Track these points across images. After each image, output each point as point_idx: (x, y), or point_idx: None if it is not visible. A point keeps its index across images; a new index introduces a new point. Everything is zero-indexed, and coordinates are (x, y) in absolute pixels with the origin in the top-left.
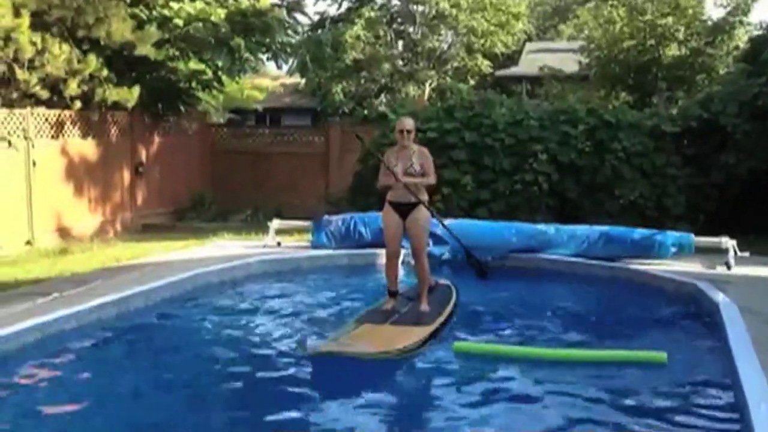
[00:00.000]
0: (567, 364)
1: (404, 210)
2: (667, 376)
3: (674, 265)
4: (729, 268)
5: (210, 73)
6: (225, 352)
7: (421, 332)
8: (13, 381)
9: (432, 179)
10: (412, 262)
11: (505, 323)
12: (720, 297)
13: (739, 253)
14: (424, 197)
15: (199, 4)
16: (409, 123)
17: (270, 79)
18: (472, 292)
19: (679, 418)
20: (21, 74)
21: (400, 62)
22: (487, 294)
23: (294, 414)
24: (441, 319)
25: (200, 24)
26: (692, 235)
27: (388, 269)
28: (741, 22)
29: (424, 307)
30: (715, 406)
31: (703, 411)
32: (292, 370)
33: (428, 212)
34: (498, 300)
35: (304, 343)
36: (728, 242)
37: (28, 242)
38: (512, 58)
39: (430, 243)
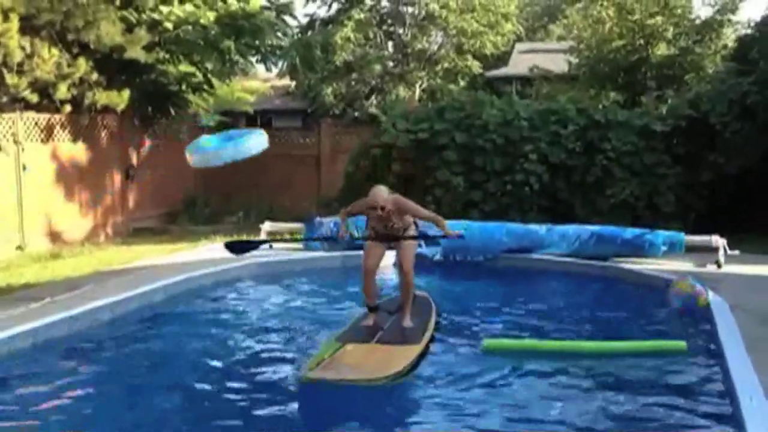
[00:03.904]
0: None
1: (390, 239)
2: (661, 371)
3: (665, 263)
4: (719, 266)
5: (200, 76)
6: (213, 362)
7: (412, 352)
8: (5, 386)
9: (428, 214)
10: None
11: (502, 320)
12: (711, 295)
13: (729, 252)
14: (411, 232)
15: (189, 7)
16: (380, 197)
17: (259, 81)
18: (464, 292)
19: (672, 412)
20: (10, 78)
21: (391, 63)
22: (481, 293)
23: None
24: (428, 335)
25: (190, 27)
26: (683, 234)
27: (365, 287)
28: (729, 21)
29: (407, 322)
30: (706, 400)
31: (696, 405)
32: (282, 393)
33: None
34: (493, 298)
35: (296, 368)
36: (719, 240)
37: (19, 247)
38: (502, 59)
39: (422, 244)
